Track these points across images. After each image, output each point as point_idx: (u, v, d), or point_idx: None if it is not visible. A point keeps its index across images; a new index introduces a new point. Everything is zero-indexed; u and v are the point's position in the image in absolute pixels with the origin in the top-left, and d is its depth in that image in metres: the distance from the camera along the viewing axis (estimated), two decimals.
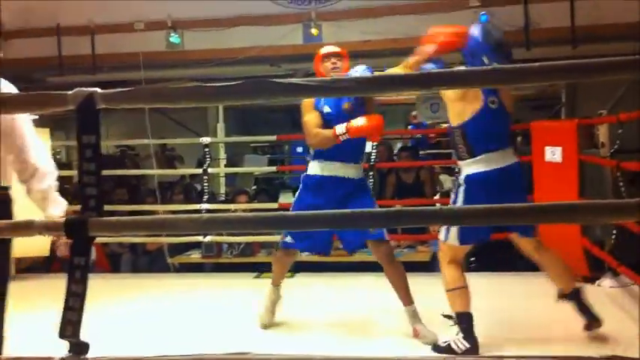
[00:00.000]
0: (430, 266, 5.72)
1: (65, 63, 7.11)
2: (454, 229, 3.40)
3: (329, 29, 6.63)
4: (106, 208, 6.38)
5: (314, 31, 6.47)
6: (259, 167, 9.49)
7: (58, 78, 7.24)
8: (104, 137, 9.12)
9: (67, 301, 1.93)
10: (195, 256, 6.40)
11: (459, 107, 3.37)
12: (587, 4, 6.29)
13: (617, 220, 3.10)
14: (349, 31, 6.40)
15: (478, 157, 3.34)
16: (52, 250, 6.04)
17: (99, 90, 1.85)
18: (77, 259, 1.95)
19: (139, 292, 5.30)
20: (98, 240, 4.42)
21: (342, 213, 1.80)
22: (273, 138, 7.25)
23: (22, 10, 7.22)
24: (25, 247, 5.63)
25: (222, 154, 9.14)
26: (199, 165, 9.34)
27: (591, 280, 4.81)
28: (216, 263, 6.33)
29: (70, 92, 1.85)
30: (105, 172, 6.86)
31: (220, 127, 8.97)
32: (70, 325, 1.89)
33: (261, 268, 5.73)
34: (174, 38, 6.87)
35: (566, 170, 5.00)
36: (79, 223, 1.91)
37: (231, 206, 6.48)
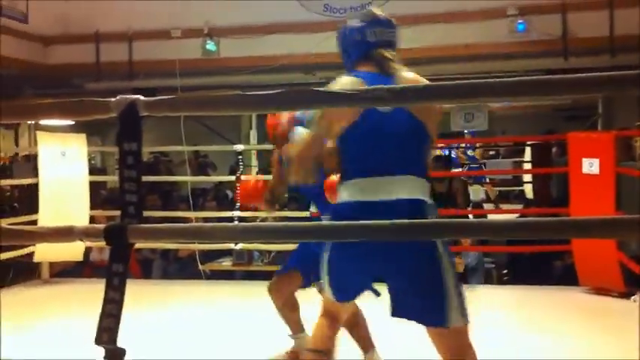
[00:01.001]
0: (462, 278, 5.66)
1: (103, 69, 7.20)
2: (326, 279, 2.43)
3: None
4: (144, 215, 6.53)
5: None
6: None
7: (96, 84, 7.33)
8: (147, 142, 9.28)
9: (104, 307, 1.93)
10: (226, 263, 6.41)
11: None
12: (627, 13, 6.19)
13: None
14: None
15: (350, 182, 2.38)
16: (85, 254, 6.17)
17: (141, 97, 1.85)
18: (115, 265, 1.95)
19: (169, 298, 5.33)
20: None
21: (380, 224, 1.77)
22: None
23: (61, 17, 7.35)
24: (59, 251, 5.75)
25: (255, 162, 9.17)
26: (232, 172, 9.40)
27: (626, 295, 4.72)
28: (247, 271, 6.34)
29: (112, 99, 1.86)
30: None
31: (253, 134, 9.01)
32: (106, 332, 1.89)
33: None
34: (210, 45, 6.92)
35: (604, 182, 4.92)
36: (118, 230, 1.92)
37: (259, 213, 6.48)
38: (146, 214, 6.31)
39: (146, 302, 4.96)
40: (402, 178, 2.34)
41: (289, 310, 3.47)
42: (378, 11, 2.59)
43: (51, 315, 4.68)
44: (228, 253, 6.31)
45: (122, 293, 1.91)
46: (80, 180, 5.79)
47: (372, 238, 1.72)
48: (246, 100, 1.67)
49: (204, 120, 9.06)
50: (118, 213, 2.00)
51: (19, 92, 7.32)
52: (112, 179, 7.98)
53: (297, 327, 3.48)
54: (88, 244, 5.69)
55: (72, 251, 5.76)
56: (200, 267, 6.24)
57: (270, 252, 6.21)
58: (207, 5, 6.89)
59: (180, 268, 6.76)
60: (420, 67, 6.17)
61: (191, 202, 6.71)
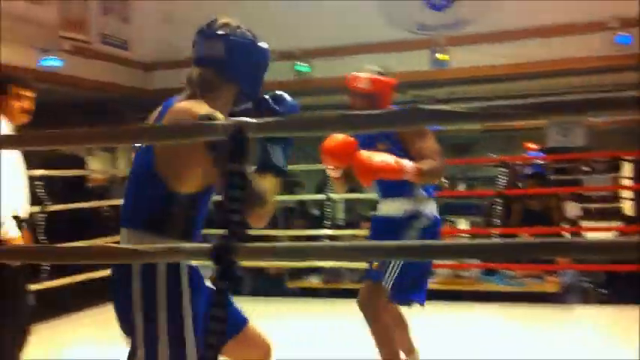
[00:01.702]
0: (559, 297, 5.49)
1: None
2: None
3: (456, 54, 6.57)
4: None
5: (442, 56, 6.43)
6: None
7: None
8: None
9: (210, 324, 1.97)
10: (315, 281, 6.44)
11: None
12: None
13: None
14: (479, 56, 6.32)
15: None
16: None
17: (249, 119, 1.90)
18: (221, 284, 1.99)
19: (258, 315, 5.38)
20: None
21: (493, 243, 1.74)
22: None
23: (161, 44, 7.65)
24: None
25: None
26: (318, 190, 9.46)
27: None
28: (336, 289, 6.35)
29: (221, 122, 1.91)
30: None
31: None
32: (211, 349, 1.93)
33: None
34: (302, 67, 7.03)
35: None
36: (225, 250, 1.95)
37: (354, 232, 6.49)
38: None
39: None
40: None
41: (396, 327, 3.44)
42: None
43: None
44: (317, 270, 6.34)
45: (227, 311, 1.95)
46: None
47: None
48: (354, 119, 1.68)
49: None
50: None
51: (122, 117, 7.64)
52: None
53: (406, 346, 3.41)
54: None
55: None
56: (288, 284, 6.30)
57: (359, 269, 6.20)
58: (300, 27, 7.02)
59: (269, 285, 6.84)
60: (513, 82, 6.06)
61: (280, 220, 6.81)
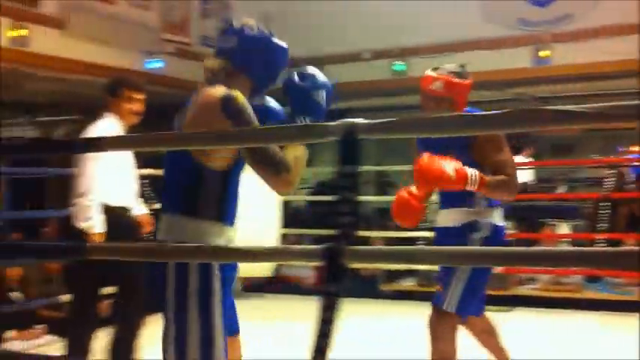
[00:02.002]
0: None
1: None
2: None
3: (558, 51, 6.34)
4: (323, 233, 6.65)
5: (544, 53, 6.22)
6: None
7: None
8: (323, 163, 9.41)
9: (319, 327, 1.96)
10: (409, 283, 6.36)
11: None
12: None
13: None
14: (582, 52, 6.08)
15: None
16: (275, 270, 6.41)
17: (361, 120, 1.87)
18: (330, 286, 1.97)
19: (349, 316, 5.34)
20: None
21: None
22: None
23: None
24: (250, 266, 6.00)
25: None
26: None
27: None
28: (430, 292, 6.23)
29: (333, 123, 1.90)
30: (323, 198, 7.09)
31: None
32: (320, 353, 1.92)
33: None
34: (399, 66, 6.97)
35: None
36: (334, 252, 1.94)
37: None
38: (330, 233, 6.40)
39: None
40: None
41: (488, 336, 3.34)
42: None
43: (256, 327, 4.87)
44: (411, 273, 6.26)
45: (336, 314, 1.93)
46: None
47: None
48: (464, 120, 1.63)
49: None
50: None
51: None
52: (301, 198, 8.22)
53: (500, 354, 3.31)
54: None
55: (263, 266, 6.00)
56: (382, 286, 6.25)
57: None
58: (397, 26, 6.95)
59: (362, 286, 6.80)
60: (616, 80, 5.77)
61: (374, 221, 6.77)
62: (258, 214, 5.84)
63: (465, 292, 2.96)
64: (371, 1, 7.10)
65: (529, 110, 1.51)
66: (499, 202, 3.03)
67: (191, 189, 2.14)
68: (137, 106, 3.73)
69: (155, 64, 6.66)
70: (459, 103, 3.00)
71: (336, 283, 1.98)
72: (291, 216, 7.58)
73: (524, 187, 7.55)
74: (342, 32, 7.18)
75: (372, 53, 7.16)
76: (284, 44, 2.36)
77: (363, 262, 1.71)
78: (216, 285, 2.12)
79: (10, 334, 4.97)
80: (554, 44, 6.38)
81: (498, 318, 3.85)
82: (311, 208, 9.10)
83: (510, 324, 4.41)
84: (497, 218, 3.04)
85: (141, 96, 3.77)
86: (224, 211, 2.20)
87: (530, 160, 7.02)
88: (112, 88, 3.74)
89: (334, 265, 1.95)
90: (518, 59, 6.42)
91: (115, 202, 3.63)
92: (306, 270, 7.05)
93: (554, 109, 1.58)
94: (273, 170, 2.11)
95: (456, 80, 3.03)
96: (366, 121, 1.83)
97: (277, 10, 7.67)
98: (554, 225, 7.13)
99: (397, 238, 6.36)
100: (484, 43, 6.71)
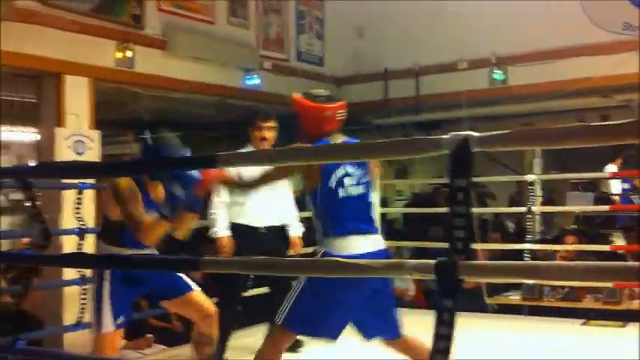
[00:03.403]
0: None
1: (391, 105, 7.49)
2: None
3: None
4: (423, 245, 6.57)
5: None
6: (585, 205, 8.81)
7: (383, 120, 7.64)
8: (416, 174, 9.24)
9: (435, 343, 1.94)
10: (514, 297, 6.17)
11: None
12: None
13: None
14: None
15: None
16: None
17: (474, 133, 1.85)
18: (445, 301, 1.95)
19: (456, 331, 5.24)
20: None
21: None
22: (603, 174, 6.77)
23: (353, 58, 7.82)
24: None
25: (539, 191, 8.78)
26: (512, 202, 9.08)
27: None
28: (537, 306, 6.04)
29: (445, 137, 1.87)
30: (418, 210, 7.00)
31: (537, 162, 8.64)
32: None
33: (588, 315, 5.35)
34: (497, 75, 6.84)
35: None
36: (448, 266, 1.91)
37: (557, 247, 6.15)
38: (429, 245, 6.39)
39: (427, 333, 4.93)
40: None
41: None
42: None
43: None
44: (516, 286, 6.07)
45: (452, 329, 1.91)
46: None
47: None
48: (596, 130, 1.56)
49: None
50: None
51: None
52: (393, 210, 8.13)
53: None
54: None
55: None
56: (486, 299, 6.09)
57: (563, 287, 5.85)
58: (495, 34, 6.83)
59: (466, 300, 6.67)
60: None
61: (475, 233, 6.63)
62: None
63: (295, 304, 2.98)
64: (470, 8, 6.98)
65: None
66: None
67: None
68: (265, 134, 4.17)
69: (254, 81, 6.80)
70: (309, 127, 3.11)
71: (452, 298, 1.95)
72: (387, 228, 7.55)
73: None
74: (437, 43, 7.11)
75: (468, 63, 7.05)
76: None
77: (479, 277, 1.69)
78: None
79: (121, 343, 5.17)
80: None
81: (612, 333, 3.69)
82: (406, 220, 9.04)
83: (624, 339, 4.21)
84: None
85: (269, 124, 4.19)
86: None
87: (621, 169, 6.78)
88: (246, 120, 4.24)
89: (449, 279, 1.93)
90: (625, 65, 6.16)
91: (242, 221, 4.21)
92: (402, 282, 6.99)
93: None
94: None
95: (306, 103, 3.11)
96: (478, 135, 1.80)
97: (371, 24, 7.71)
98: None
99: (500, 250, 6.21)
100: (587, 49, 6.48)
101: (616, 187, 7.60)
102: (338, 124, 3.14)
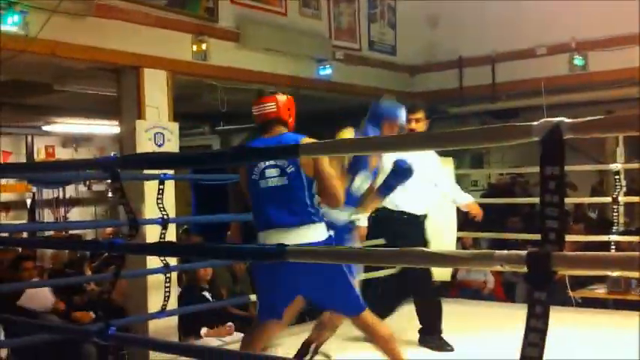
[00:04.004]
0: None
1: (466, 93, 7.35)
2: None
3: None
4: (502, 236, 6.42)
5: None
6: None
7: (458, 108, 7.51)
8: (492, 164, 9.02)
9: (526, 336, 1.88)
10: (599, 290, 5.97)
11: None
12: None
13: None
14: None
15: None
16: (453, 276, 6.29)
17: (565, 119, 1.78)
18: (538, 293, 1.89)
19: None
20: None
21: None
22: None
23: (427, 47, 7.71)
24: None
25: (623, 181, 8.46)
26: (593, 192, 8.77)
27: None
28: (622, 300, 5.83)
29: (535, 123, 1.81)
30: (495, 201, 6.84)
31: (620, 151, 8.33)
32: None
33: None
34: (577, 60, 6.62)
35: None
36: (541, 257, 1.85)
37: None
38: (508, 236, 6.25)
39: (510, 328, 4.81)
40: None
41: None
42: None
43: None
44: (602, 279, 5.87)
45: (546, 322, 1.84)
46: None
47: None
48: None
49: None
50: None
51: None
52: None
53: None
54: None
55: (442, 271, 5.90)
56: (570, 293, 5.91)
57: None
58: (574, 19, 6.61)
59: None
60: None
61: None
62: (437, 217, 5.78)
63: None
64: None
65: None
66: None
67: None
68: (414, 126, 4.35)
69: (326, 71, 6.79)
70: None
71: (544, 291, 1.89)
72: (463, 219, 7.41)
73: None
74: (514, 29, 6.93)
75: (547, 49, 6.84)
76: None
77: (573, 269, 1.63)
78: None
79: (203, 330, 5.28)
80: None
81: None
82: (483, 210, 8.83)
83: None
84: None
85: (414, 116, 4.36)
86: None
87: None
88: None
89: (541, 271, 1.87)
90: None
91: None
92: (480, 274, 6.87)
93: None
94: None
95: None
96: (570, 120, 1.73)
97: (444, 11, 7.58)
98: None
99: (583, 242, 6.00)
100: None
101: None
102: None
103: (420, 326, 4.58)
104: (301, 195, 3.13)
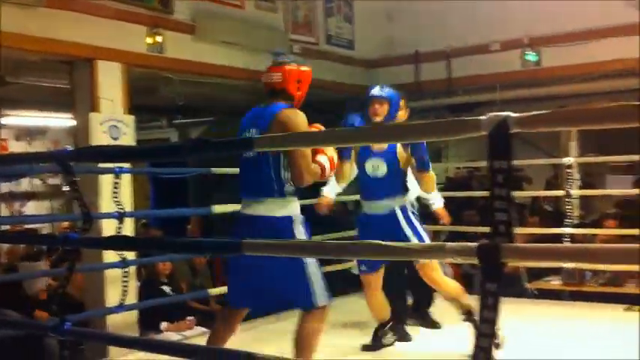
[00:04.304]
0: None
1: (423, 88, 7.41)
2: None
3: None
4: (458, 229, 6.49)
5: None
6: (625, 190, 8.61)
7: (415, 103, 7.56)
8: (449, 159, 9.10)
9: (479, 327, 1.91)
10: (554, 282, 6.09)
11: None
12: None
13: None
14: None
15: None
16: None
17: (512, 114, 1.81)
18: (489, 285, 1.92)
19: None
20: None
21: None
22: None
23: (384, 41, 7.74)
24: None
25: (577, 175, 8.62)
26: (548, 186, 8.92)
27: None
28: (577, 291, 5.94)
29: (483, 117, 1.84)
30: (452, 194, 6.90)
31: (573, 145, 8.48)
32: (483, 352, 1.87)
33: (631, 300, 5.25)
34: (531, 56, 6.72)
35: None
36: (491, 249, 1.88)
37: (597, 231, 6.04)
38: (463, 229, 6.39)
39: None
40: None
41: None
42: None
43: None
44: (556, 270, 5.99)
45: (496, 313, 1.87)
46: None
47: None
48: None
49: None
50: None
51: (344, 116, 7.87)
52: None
53: None
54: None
55: None
56: (526, 284, 6.03)
57: (604, 272, 5.75)
58: (527, 15, 6.71)
59: (504, 284, 6.56)
60: None
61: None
62: None
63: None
64: None
65: None
66: None
67: None
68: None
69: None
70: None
71: (495, 282, 1.92)
72: (422, 212, 7.46)
73: None
74: (469, 25, 7.01)
75: (500, 44, 6.94)
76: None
77: (522, 260, 1.67)
78: None
79: (164, 325, 5.24)
80: None
81: None
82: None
83: None
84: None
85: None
86: None
87: None
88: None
89: (492, 263, 1.90)
90: None
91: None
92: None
93: None
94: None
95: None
96: (517, 115, 1.76)
97: (400, 6, 7.62)
98: None
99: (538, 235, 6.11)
100: (621, 29, 6.33)
101: None
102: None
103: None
104: (267, 170, 3.11)
